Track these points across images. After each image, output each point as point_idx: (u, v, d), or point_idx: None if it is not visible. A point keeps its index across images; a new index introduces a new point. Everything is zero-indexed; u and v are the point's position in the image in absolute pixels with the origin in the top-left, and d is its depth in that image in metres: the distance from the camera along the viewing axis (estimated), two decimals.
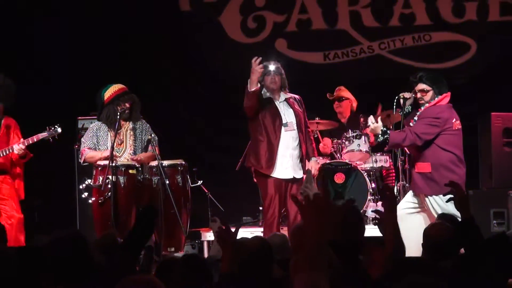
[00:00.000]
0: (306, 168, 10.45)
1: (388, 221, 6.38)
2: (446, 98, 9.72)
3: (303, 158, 10.51)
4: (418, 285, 4.23)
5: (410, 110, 9.80)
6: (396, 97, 9.75)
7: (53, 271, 4.73)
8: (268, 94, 10.46)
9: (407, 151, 10.20)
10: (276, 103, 10.45)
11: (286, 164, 10.37)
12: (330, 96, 12.97)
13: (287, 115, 10.46)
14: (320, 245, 3.40)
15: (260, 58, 10.13)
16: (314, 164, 10.50)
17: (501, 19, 13.99)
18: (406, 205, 9.53)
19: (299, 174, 10.41)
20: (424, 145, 9.67)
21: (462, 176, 9.66)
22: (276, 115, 10.35)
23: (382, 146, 11.15)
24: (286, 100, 10.53)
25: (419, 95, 9.75)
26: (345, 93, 12.98)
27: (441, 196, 9.34)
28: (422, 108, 9.64)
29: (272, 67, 10.43)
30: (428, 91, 9.72)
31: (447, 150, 9.79)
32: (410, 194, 9.82)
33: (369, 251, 5.70)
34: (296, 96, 10.70)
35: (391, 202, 6.63)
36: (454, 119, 9.68)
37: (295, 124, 10.44)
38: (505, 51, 13.88)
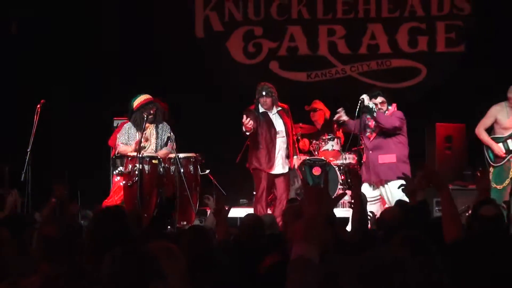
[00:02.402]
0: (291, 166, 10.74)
1: (356, 195, 6.48)
2: (395, 107, 9.89)
3: (289, 156, 10.72)
4: (410, 238, 4.28)
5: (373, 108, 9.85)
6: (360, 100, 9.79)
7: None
8: (264, 108, 10.66)
9: (368, 146, 10.21)
10: (270, 115, 10.70)
11: (277, 163, 10.63)
12: (307, 108, 13.03)
13: (278, 125, 10.73)
14: (315, 222, 3.33)
15: (249, 119, 10.38)
16: (295, 160, 10.72)
17: (446, 50, 14.01)
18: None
19: (286, 169, 10.69)
20: (390, 139, 9.78)
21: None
22: (271, 125, 10.67)
23: (350, 147, 11.32)
24: (278, 112, 10.73)
25: (379, 105, 9.88)
26: (319, 105, 12.99)
27: (395, 183, 9.47)
28: (375, 114, 9.68)
29: (264, 91, 10.58)
30: (385, 102, 9.86)
31: (405, 146, 9.92)
32: (366, 187, 9.86)
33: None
34: (285, 106, 10.87)
35: (357, 180, 6.74)
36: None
37: (284, 132, 10.67)
38: (448, 75, 13.92)
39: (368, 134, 10.11)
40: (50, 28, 13.52)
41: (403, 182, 8.48)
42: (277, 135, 10.73)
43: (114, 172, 10.96)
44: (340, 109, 10.37)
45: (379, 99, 9.96)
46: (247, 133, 10.62)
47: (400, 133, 9.95)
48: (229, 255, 5.81)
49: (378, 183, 9.98)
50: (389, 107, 10.04)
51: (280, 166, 10.75)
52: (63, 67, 13.58)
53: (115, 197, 10.98)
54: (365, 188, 9.76)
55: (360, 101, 9.87)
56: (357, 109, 9.84)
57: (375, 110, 9.86)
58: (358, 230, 6.65)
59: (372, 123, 10.09)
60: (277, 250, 5.19)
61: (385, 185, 9.80)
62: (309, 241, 3.24)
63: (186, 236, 5.17)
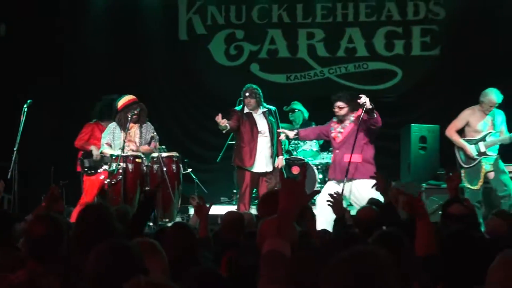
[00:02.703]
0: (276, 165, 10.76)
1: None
2: (360, 112, 9.91)
3: (273, 156, 10.75)
4: (387, 234, 4.28)
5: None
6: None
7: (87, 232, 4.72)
8: (249, 109, 10.70)
9: (335, 146, 10.25)
10: (254, 115, 10.73)
11: (260, 161, 10.64)
12: (286, 109, 13.04)
13: (262, 125, 10.73)
14: (290, 216, 3.35)
15: (220, 115, 10.42)
16: (280, 160, 10.73)
17: (421, 54, 14.08)
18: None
19: (270, 168, 10.71)
20: (357, 140, 9.81)
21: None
22: (254, 125, 10.66)
23: (326, 147, 11.36)
24: (263, 113, 10.76)
25: (336, 109, 9.93)
26: (297, 106, 13.06)
27: (360, 181, 9.55)
28: (374, 115, 9.68)
29: (247, 93, 10.64)
30: (343, 107, 9.88)
31: (371, 148, 9.97)
32: (333, 184, 9.90)
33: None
34: (272, 108, 10.91)
35: None
36: None
37: (267, 132, 10.69)
38: (423, 78, 14.00)
39: (333, 134, 10.16)
40: (41, 29, 13.46)
41: (372, 181, 8.58)
42: (259, 135, 10.73)
43: (99, 171, 10.95)
44: (279, 131, 10.62)
45: (338, 103, 9.98)
46: (223, 131, 10.65)
47: (368, 135, 9.98)
48: (210, 250, 5.84)
49: (342, 181, 10.01)
50: (351, 114, 10.04)
51: (262, 165, 10.74)
52: (51, 68, 13.55)
53: (88, 195, 10.94)
54: (332, 185, 9.79)
55: (363, 103, 9.79)
56: (363, 110, 9.76)
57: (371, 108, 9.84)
58: (337, 228, 6.70)
59: (337, 125, 10.13)
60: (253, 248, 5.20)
61: (350, 183, 9.82)
62: (282, 236, 3.25)
63: (170, 231, 5.19)
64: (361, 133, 9.90)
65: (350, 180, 9.71)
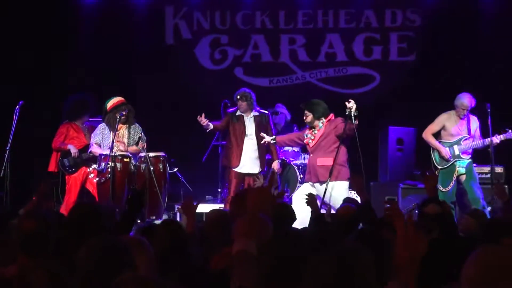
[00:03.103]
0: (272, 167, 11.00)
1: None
2: (332, 117, 9.95)
3: (260, 158, 10.79)
4: (367, 232, 4.26)
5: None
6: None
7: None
8: (240, 111, 10.74)
9: (309, 151, 10.28)
10: (244, 118, 10.81)
11: (246, 163, 10.71)
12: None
13: (250, 128, 10.81)
14: (256, 218, 3.39)
15: (203, 115, 10.58)
16: (275, 164, 10.84)
17: (398, 59, 14.12)
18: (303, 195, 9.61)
19: (255, 170, 10.76)
20: (328, 145, 9.85)
21: None
22: (242, 128, 10.70)
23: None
24: (254, 117, 10.80)
25: (304, 117, 10.04)
26: (280, 108, 13.04)
27: (333, 184, 9.58)
28: (356, 122, 9.69)
29: (239, 96, 10.68)
30: (308, 115, 9.99)
31: (342, 151, 9.98)
32: (308, 186, 9.92)
33: None
34: (265, 113, 10.96)
35: None
36: None
37: (254, 135, 10.76)
38: (400, 82, 14.04)
39: (306, 140, 10.22)
40: (32, 30, 13.40)
41: (344, 183, 8.63)
42: (246, 137, 10.82)
43: (88, 169, 10.93)
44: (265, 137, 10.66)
45: (305, 111, 10.10)
46: (207, 130, 10.74)
47: (338, 140, 10.00)
48: (196, 246, 5.83)
49: (317, 183, 10.03)
50: (319, 122, 10.09)
51: (248, 166, 10.82)
52: (42, 69, 13.50)
53: (71, 193, 10.91)
54: (307, 187, 9.84)
55: (349, 109, 9.79)
56: (347, 114, 9.77)
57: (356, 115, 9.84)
58: (314, 226, 6.70)
59: (310, 131, 10.18)
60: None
61: (322, 185, 9.85)
62: (248, 236, 3.29)
63: (161, 228, 5.19)
64: (333, 137, 9.94)
65: (323, 183, 9.74)
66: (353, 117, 9.57)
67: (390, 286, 3.10)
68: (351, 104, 9.57)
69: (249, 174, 10.85)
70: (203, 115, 10.51)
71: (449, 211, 6.76)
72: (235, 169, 10.80)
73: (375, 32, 14.13)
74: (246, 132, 10.82)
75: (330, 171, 9.70)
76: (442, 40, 13.71)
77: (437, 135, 10.87)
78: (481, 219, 6.47)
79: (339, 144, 9.88)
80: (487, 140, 10.44)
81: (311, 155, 10.14)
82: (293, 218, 6.42)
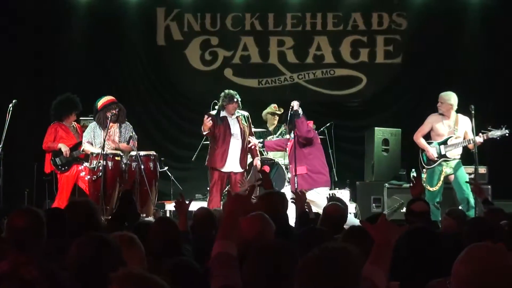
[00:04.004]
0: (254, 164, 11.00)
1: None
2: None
3: (244, 158, 10.78)
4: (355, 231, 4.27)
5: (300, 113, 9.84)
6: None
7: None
8: (224, 113, 10.69)
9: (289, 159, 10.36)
10: (228, 119, 10.74)
11: (231, 162, 10.69)
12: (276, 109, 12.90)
13: (235, 128, 10.75)
14: (233, 221, 3.41)
15: (210, 118, 10.49)
16: (256, 161, 10.82)
17: (384, 61, 14.11)
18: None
19: (238, 169, 10.71)
20: (301, 152, 9.89)
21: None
22: (227, 129, 10.66)
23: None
24: (237, 117, 10.76)
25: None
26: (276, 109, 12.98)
27: (310, 192, 9.65)
28: (300, 117, 9.74)
29: (235, 98, 10.71)
30: (285, 126, 10.10)
31: (316, 158, 10.01)
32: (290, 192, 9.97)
33: None
34: (245, 114, 10.93)
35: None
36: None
37: (240, 135, 10.71)
38: (386, 84, 14.05)
39: (285, 146, 10.31)
40: (24, 31, 13.33)
41: (322, 189, 8.63)
42: (232, 137, 10.76)
43: (80, 168, 10.90)
44: (249, 139, 10.80)
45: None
46: (204, 133, 10.65)
47: (311, 146, 10.01)
48: (189, 243, 5.82)
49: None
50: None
51: (233, 165, 10.76)
52: (32, 69, 13.45)
53: (64, 191, 10.87)
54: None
55: (291, 107, 9.85)
56: (289, 114, 9.84)
57: (301, 114, 9.85)
58: (300, 223, 6.69)
59: (290, 141, 10.21)
60: None
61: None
62: (227, 238, 3.30)
63: (155, 225, 5.18)
64: (302, 145, 9.95)
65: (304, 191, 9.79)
66: (294, 115, 9.64)
67: (366, 269, 3.15)
68: (293, 103, 9.67)
69: (234, 173, 10.81)
70: (210, 117, 10.50)
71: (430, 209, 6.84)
72: (220, 170, 10.75)
73: (362, 35, 14.12)
74: (232, 132, 10.77)
75: (303, 179, 9.81)
76: (427, 43, 13.75)
77: (428, 136, 10.86)
78: (460, 219, 6.47)
79: (310, 151, 9.94)
80: (472, 140, 10.43)
81: (290, 165, 10.19)
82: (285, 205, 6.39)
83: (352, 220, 8.74)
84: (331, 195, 8.60)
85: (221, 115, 10.78)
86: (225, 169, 10.73)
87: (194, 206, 10.20)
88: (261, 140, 11.37)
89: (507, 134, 10.39)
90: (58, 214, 5.11)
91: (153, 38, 14.30)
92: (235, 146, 10.77)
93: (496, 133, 10.38)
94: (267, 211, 4.91)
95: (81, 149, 10.66)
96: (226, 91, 10.88)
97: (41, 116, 12.27)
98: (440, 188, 10.59)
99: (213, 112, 10.81)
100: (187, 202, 6.33)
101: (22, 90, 12.62)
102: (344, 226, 6.22)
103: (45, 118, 11.42)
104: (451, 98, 10.62)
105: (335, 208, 6.44)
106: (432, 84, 13.13)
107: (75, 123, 11.29)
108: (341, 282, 2.77)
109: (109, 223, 6.31)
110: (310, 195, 9.87)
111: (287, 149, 10.49)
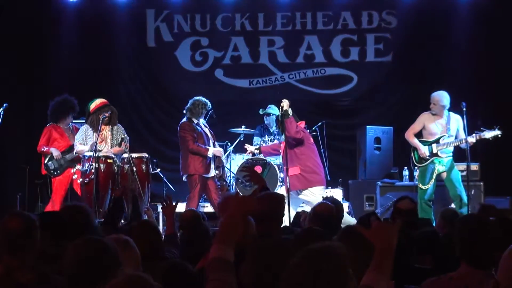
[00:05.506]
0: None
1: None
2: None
3: (215, 160, 10.82)
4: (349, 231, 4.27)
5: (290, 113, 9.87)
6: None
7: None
8: (195, 121, 10.70)
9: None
10: (202, 126, 10.74)
11: (212, 167, 10.70)
12: (262, 112, 12.79)
13: (208, 132, 10.80)
14: (232, 224, 3.36)
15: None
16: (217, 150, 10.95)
17: (375, 60, 14.13)
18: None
19: (213, 173, 10.73)
20: (293, 153, 9.90)
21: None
22: (205, 135, 10.71)
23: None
24: (203, 123, 10.81)
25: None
26: (272, 110, 12.79)
27: (305, 192, 9.65)
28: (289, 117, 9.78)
29: (208, 107, 10.80)
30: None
31: (309, 157, 10.00)
32: (292, 194, 9.96)
33: None
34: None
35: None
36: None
37: (212, 138, 10.79)
38: (377, 82, 14.08)
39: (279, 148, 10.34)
40: (19, 32, 13.30)
41: (317, 188, 8.62)
42: (210, 141, 10.81)
43: (72, 171, 10.90)
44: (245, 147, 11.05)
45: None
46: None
47: (301, 146, 10.01)
48: (176, 246, 5.82)
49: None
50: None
51: (212, 169, 10.82)
52: (24, 70, 13.43)
53: (57, 195, 10.86)
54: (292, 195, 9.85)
55: (280, 107, 9.85)
56: (280, 114, 9.84)
57: (290, 114, 9.85)
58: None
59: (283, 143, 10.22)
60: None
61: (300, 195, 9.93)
62: (225, 242, 3.27)
63: (136, 229, 5.16)
64: (293, 146, 9.95)
65: (299, 192, 9.81)
66: (283, 115, 9.65)
67: (368, 277, 3.15)
68: (282, 102, 9.67)
69: (208, 178, 10.83)
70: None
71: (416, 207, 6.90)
72: (202, 175, 10.73)
73: (352, 34, 14.14)
74: (209, 136, 10.83)
75: (298, 179, 9.83)
76: (418, 41, 13.79)
77: (419, 134, 10.89)
78: (451, 218, 6.49)
79: (301, 152, 9.94)
80: (463, 140, 10.45)
81: (284, 167, 10.21)
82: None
83: (348, 219, 8.75)
84: (327, 197, 8.57)
85: (195, 122, 10.80)
86: (207, 174, 10.75)
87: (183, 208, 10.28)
88: (257, 146, 11.38)
89: (499, 136, 10.41)
90: (53, 217, 5.10)
91: (143, 39, 14.30)
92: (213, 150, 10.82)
93: (488, 134, 10.40)
94: (268, 211, 4.91)
95: (74, 152, 10.63)
96: (202, 99, 10.85)
97: (32, 119, 12.27)
98: (433, 186, 10.61)
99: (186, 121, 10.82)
100: (173, 203, 6.35)
101: (13, 94, 12.58)
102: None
103: (36, 122, 11.41)
104: (443, 99, 10.64)
105: (325, 207, 6.42)
106: (422, 82, 13.18)
107: (73, 125, 11.26)
108: (326, 283, 2.79)
109: (102, 227, 6.30)
110: (305, 196, 9.88)
111: (281, 151, 10.50)
